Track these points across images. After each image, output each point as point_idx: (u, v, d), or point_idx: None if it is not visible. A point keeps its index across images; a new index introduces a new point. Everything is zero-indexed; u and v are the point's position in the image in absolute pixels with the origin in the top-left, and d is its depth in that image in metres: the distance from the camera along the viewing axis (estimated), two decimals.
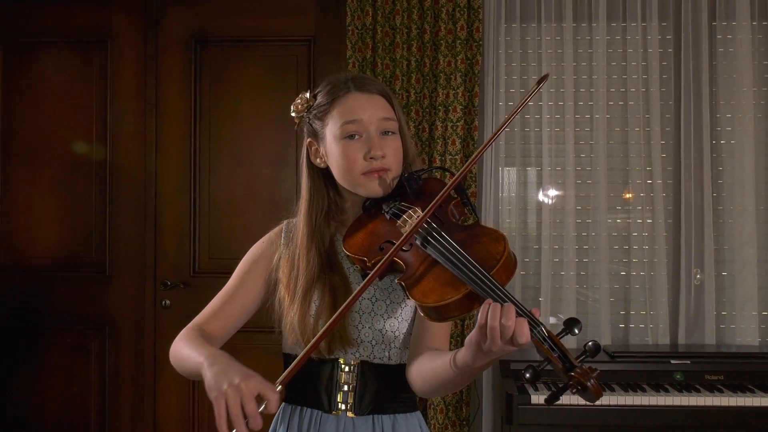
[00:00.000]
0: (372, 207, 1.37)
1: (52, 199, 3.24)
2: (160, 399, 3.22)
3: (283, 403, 1.45)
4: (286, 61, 3.20)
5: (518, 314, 1.05)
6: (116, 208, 3.22)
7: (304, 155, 1.44)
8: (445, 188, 1.26)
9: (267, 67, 3.20)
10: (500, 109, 2.94)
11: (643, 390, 2.43)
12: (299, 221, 1.43)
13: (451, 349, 1.29)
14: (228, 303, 1.45)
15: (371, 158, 1.33)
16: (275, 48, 3.20)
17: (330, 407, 1.39)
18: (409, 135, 1.46)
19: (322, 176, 1.43)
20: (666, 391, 2.43)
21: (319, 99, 1.39)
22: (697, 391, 2.44)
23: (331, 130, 1.36)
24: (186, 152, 3.22)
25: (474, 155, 1.25)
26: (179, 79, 3.20)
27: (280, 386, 1.10)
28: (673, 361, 2.55)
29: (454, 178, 1.27)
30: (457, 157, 2.82)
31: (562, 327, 1.10)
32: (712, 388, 2.46)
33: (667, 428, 2.43)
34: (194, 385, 3.18)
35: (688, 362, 2.55)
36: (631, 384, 2.48)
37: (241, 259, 3.24)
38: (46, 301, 3.23)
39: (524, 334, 1.04)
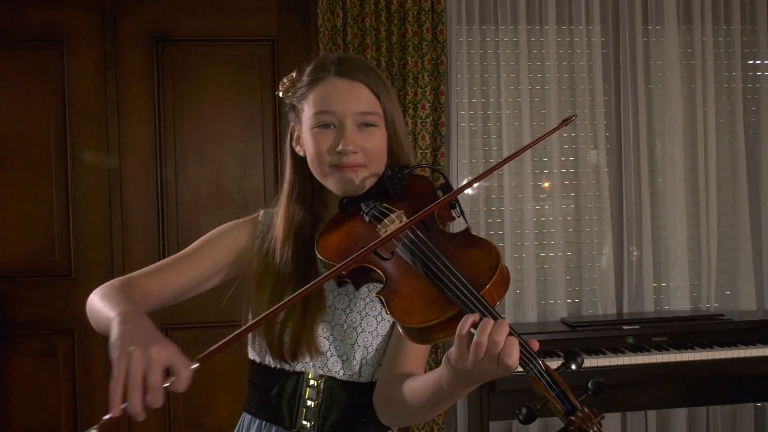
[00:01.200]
0: (349, 205, 1.25)
1: (11, 202, 3.14)
2: None
3: (245, 413, 1.36)
4: (250, 60, 3.25)
5: (509, 334, 0.95)
6: (79, 209, 3.17)
7: (288, 141, 1.32)
8: (437, 203, 1.12)
9: (231, 66, 3.24)
10: (464, 105, 3.14)
11: (604, 353, 2.75)
12: (278, 212, 1.31)
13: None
14: (176, 265, 1.30)
15: (339, 152, 1.20)
16: (238, 47, 3.24)
17: (292, 424, 1.26)
18: (402, 126, 1.30)
19: (305, 163, 1.28)
20: (622, 353, 2.76)
21: (303, 80, 1.26)
22: (648, 351, 2.77)
23: (306, 116, 1.25)
24: (151, 151, 3.21)
25: (479, 175, 1.19)
26: (142, 78, 3.18)
27: (197, 364, 0.92)
28: (624, 327, 2.87)
29: (446, 195, 1.15)
30: (427, 151, 3.00)
31: (562, 360, 0.99)
32: (659, 347, 2.80)
33: (626, 384, 2.76)
34: None
35: (637, 327, 2.87)
36: (592, 349, 2.79)
37: None
38: (9, 308, 3.15)
39: (513, 355, 0.93)
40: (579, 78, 3.20)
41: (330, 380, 1.26)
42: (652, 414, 3.21)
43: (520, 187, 3.17)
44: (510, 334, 0.94)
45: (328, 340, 1.26)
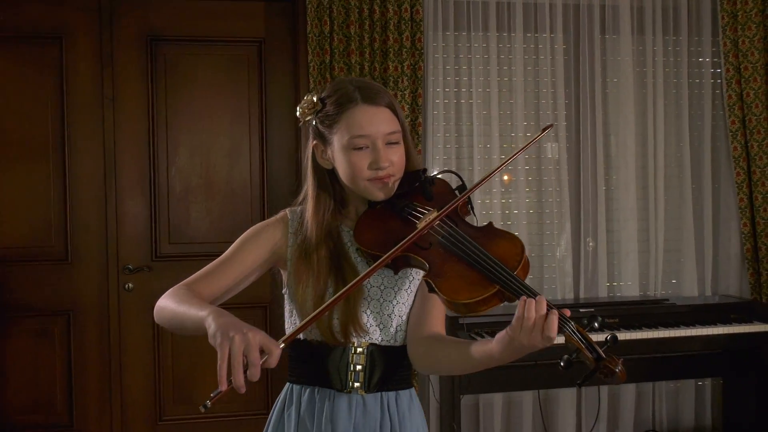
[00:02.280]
0: (377, 203, 1.46)
1: (11, 190, 3.29)
2: (127, 380, 3.41)
3: (291, 385, 1.53)
4: (239, 60, 3.46)
5: (548, 308, 1.19)
6: (75, 197, 3.34)
7: (309, 155, 1.49)
8: (464, 194, 1.39)
9: (221, 65, 3.44)
10: (439, 106, 3.41)
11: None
12: (309, 221, 1.48)
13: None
14: (221, 269, 1.47)
15: (377, 168, 1.40)
16: (228, 47, 3.45)
17: (343, 387, 1.47)
18: (410, 137, 1.55)
19: (328, 175, 1.49)
20: None
21: (328, 107, 1.43)
22: (602, 330, 3.09)
23: (339, 139, 1.42)
24: (144, 144, 3.39)
25: (484, 177, 1.46)
26: (136, 75, 3.36)
27: (282, 344, 1.19)
28: (580, 310, 3.16)
29: (469, 189, 1.41)
30: None
31: (585, 322, 1.26)
32: (612, 328, 3.12)
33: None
34: (160, 365, 3.42)
35: (592, 310, 3.18)
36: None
37: (203, 243, 3.48)
38: (7, 290, 3.31)
39: (553, 326, 1.18)
40: (543, 81, 3.49)
41: (372, 346, 1.48)
42: (604, 389, 3.54)
43: (490, 181, 3.45)
44: (548, 308, 1.19)
45: (366, 313, 1.47)
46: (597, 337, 1.21)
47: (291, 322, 1.53)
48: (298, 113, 1.47)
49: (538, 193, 3.56)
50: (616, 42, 3.57)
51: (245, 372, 1.14)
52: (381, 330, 1.48)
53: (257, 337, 1.16)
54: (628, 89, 3.55)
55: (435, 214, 1.37)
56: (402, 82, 3.25)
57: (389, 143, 1.42)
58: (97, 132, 3.35)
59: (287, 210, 1.55)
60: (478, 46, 3.44)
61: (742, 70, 3.49)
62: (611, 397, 3.59)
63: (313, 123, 1.46)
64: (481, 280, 1.25)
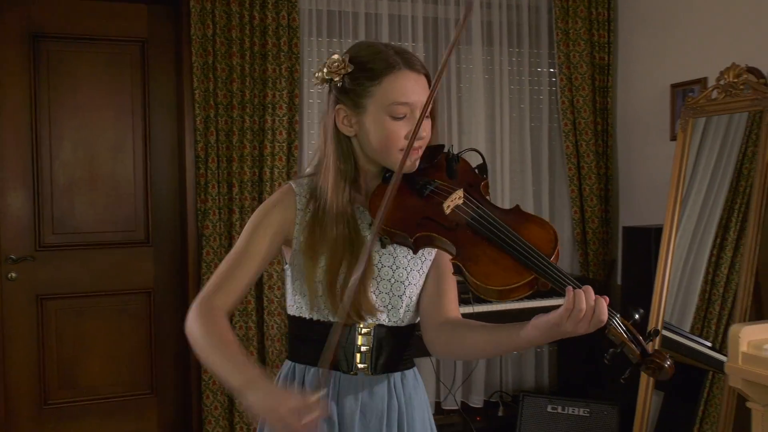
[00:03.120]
0: (390, 178, 1.36)
1: None
2: (10, 367, 3.48)
3: (293, 363, 1.47)
4: (122, 59, 3.62)
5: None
6: None
7: (332, 120, 1.39)
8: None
9: (105, 63, 3.59)
10: (313, 106, 3.74)
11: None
12: (329, 192, 1.38)
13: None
14: (239, 269, 1.39)
15: (414, 139, 1.30)
16: (112, 46, 3.60)
17: (349, 368, 1.41)
18: (437, 107, 1.45)
19: (349, 142, 1.40)
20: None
21: (365, 67, 1.34)
22: (469, 304, 3.55)
23: (376, 103, 1.33)
24: (27, 139, 3.48)
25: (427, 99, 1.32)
26: (19, 71, 3.44)
27: (321, 392, 1.17)
28: None
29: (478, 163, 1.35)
30: (283, 144, 3.56)
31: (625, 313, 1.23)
32: (468, 302, 3.60)
33: None
34: (44, 351, 3.52)
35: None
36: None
37: (87, 233, 3.58)
38: None
39: (604, 313, 1.15)
40: None
41: (378, 327, 1.42)
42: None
43: None
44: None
45: (375, 293, 1.40)
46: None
47: (295, 302, 1.46)
48: (321, 73, 1.38)
49: None
50: (468, 52, 4.05)
51: None
52: (389, 311, 1.43)
53: (298, 410, 1.14)
54: (479, 94, 4.03)
55: (461, 192, 1.32)
56: (280, 83, 3.55)
57: (426, 115, 1.34)
58: None
59: (291, 183, 1.47)
60: None
61: (573, 79, 4.07)
62: (465, 365, 4.06)
63: (339, 84, 1.36)
64: (515, 266, 1.18)
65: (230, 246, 3.53)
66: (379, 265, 1.41)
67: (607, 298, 1.18)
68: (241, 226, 3.52)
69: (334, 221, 1.37)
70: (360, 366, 1.42)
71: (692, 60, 3.65)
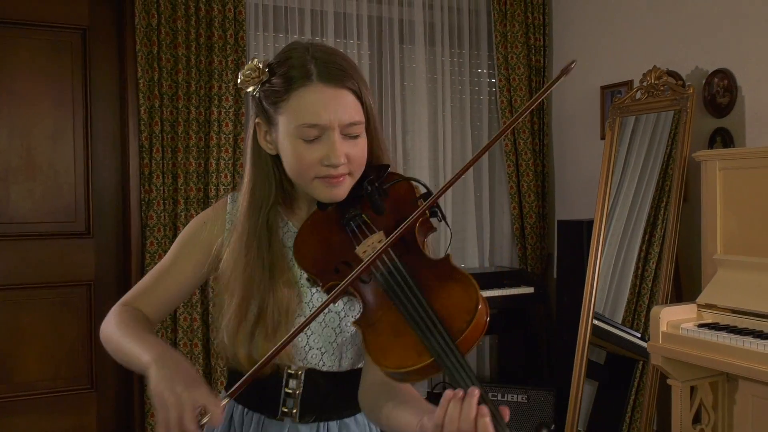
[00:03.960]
0: (327, 204, 1.20)
1: None
2: None
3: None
4: (62, 46, 3.56)
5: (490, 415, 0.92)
6: None
7: (251, 134, 1.24)
8: (409, 219, 1.06)
9: (44, 49, 3.52)
10: None
11: None
12: (240, 213, 1.24)
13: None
14: (159, 281, 1.29)
15: (328, 165, 1.14)
16: (51, 33, 3.53)
17: (275, 413, 1.26)
18: (379, 124, 1.25)
19: (271, 161, 1.23)
20: None
21: (275, 80, 1.16)
22: None
23: (285, 122, 1.16)
24: None
25: (457, 174, 1.15)
26: None
27: (226, 399, 1.02)
28: None
29: (423, 206, 1.09)
30: (230, 136, 3.58)
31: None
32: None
33: None
34: None
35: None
36: None
37: (23, 223, 3.50)
38: None
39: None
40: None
41: (310, 370, 1.24)
42: None
43: None
44: (482, 401, 0.93)
45: (306, 334, 1.23)
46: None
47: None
48: (239, 81, 1.21)
49: None
50: (411, 51, 4.16)
51: None
52: (323, 354, 1.25)
53: (194, 396, 1.01)
54: (422, 93, 4.14)
55: (380, 235, 1.12)
56: (226, 75, 3.57)
57: (349, 135, 1.16)
58: None
59: (229, 196, 1.33)
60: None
61: (511, 80, 4.23)
62: None
63: (256, 95, 1.19)
64: (416, 344, 0.99)
65: (174, 237, 3.51)
66: (311, 304, 1.23)
67: (507, 411, 0.95)
68: (186, 218, 3.52)
69: (246, 251, 1.20)
70: (285, 410, 1.25)
71: (620, 63, 3.86)
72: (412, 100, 4.16)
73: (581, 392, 3.50)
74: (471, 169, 4.22)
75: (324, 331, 1.24)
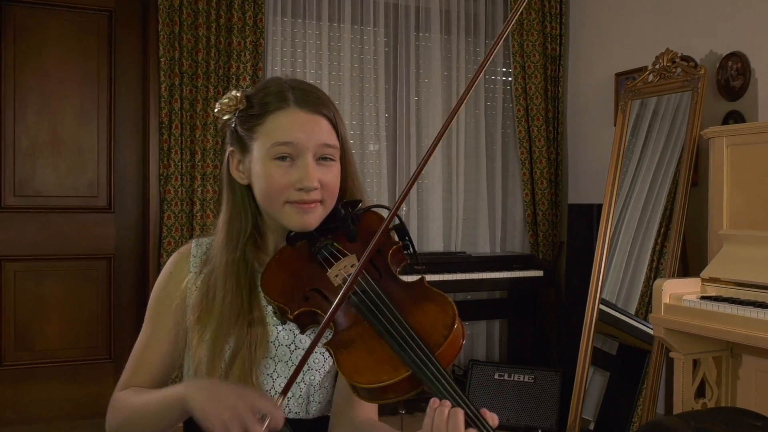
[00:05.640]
0: (298, 239, 1.17)
1: None
2: None
3: None
4: (89, 27, 3.70)
5: (468, 421, 0.91)
6: None
7: (225, 165, 1.23)
8: (380, 229, 1.05)
9: (72, 30, 3.66)
10: None
11: None
12: (217, 250, 1.20)
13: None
14: (143, 359, 1.24)
15: (301, 189, 1.13)
16: (79, 14, 3.68)
17: None
18: (354, 159, 1.25)
19: (247, 192, 1.21)
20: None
21: (254, 105, 1.17)
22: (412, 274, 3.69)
23: (259, 146, 1.16)
24: None
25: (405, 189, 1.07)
26: None
27: (282, 398, 0.99)
28: None
29: (392, 211, 1.07)
30: None
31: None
32: (420, 273, 3.72)
33: None
34: (1, 313, 3.54)
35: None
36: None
37: (48, 196, 3.56)
38: None
39: None
40: (367, 69, 4.06)
41: None
42: None
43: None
44: (467, 422, 0.91)
45: (271, 377, 1.18)
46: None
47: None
48: (215, 110, 1.21)
49: (362, 174, 4.10)
50: (427, 40, 4.22)
51: None
52: (289, 399, 1.20)
53: (251, 404, 0.98)
54: (437, 79, 4.20)
55: (353, 258, 1.11)
56: (244, 55, 3.67)
57: (322, 158, 1.16)
58: None
59: (192, 242, 1.29)
60: (311, 32, 3.94)
61: (526, 68, 4.28)
62: None
63: (232, 124, 1.20)
64: (391, 359, 0.96)
65: (191, 213, 3.61)
66: (276, 343, 1.18)
67: (495, 418, 0.94)
68: (203, 193, 3.61)
69: (223, 286, 1.17)
70: None
71: (635, 50, 3.89)
72: (427, 88, 4.22)
73: (587, 375, 3.50)
74: (483, 156, 4.31)
75: (291, 371, 1.16)
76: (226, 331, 1.15)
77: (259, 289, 1.16)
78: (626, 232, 3.54)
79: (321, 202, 1.16)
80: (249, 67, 3.68)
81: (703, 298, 2.65)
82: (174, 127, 3.57)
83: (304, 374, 1.19)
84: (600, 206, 3.62)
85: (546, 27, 4.30)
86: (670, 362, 3.16)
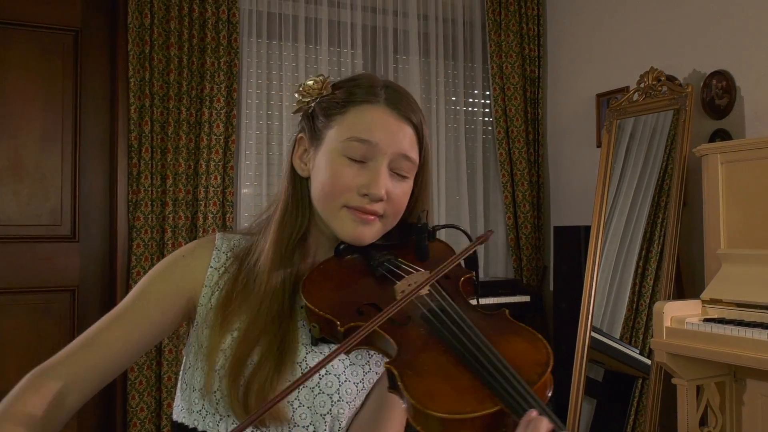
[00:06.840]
0: (347, 252, 1.06)
1: None
2: None
3: None
4: (54, 48, 3.51)
5: None
6: None
7: (288, 154, 1.12)
8: (461, 251, 0.97)
9: (35, 50, 3.47)
10: (252, 100, 3.71)
11: None
12: (268, 236, 1.06)
13: None
14: (104, 332, 1.03)
15: (365, 195, 1.02)
16: (43, 34, 3.49)
17: None
18: (430, 181, 1.12)
19: (305, 187, 1.09)
20: None
21: (337, 93, 1.07)
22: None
23: (333, 137, 1.04)
24: None
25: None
26: None
27: None
28: None
29: (471, 245, 1.00)
30: (221, 137, 3.51)
31: None
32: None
33: None
34: None
35: None
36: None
37: (7, 225, 3.40)
38: None
39: None
40: None
41: None
42: None
43: None
44: None
45: (292, 405, 1.01)
46: None
47: (183, 400, 1.07)
48: (296, 93, 1.11)
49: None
50: (406, 62, 4.14)
51: None
52: (307, 429, 1.02)
53: None
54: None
55: (426, 274, 0.97)
56: (218, 76, 3.52)
57: (396, 171, 1.05)
58: None
59: (218, 234, 1.13)
60: (287, 54, 3.81)
61: (506, 90, 4.21)
62: None
63: (310, 109, 1.08)
64: (476, 389, 0.80)
65: (162, 240, 3.42)
66: (303, 365, 1.02)
67: None
68: (174, 220, 3.43)
69: (266, 279, 1.03)
70: None
71: (615, 70, 3.85)
72: None
73: (581, 405, 3.38)
74: (465, 180, 4.21)
75: (316, 400, 1.02)
76: (258, 333, 1.00)
77: (298, 299, 1.01)
78: (608, 256, 3.46)
79: (381, 217, 1.04)
80: (223, 89, 3.54)
81: (706, 320, 2.55)
82: (144, 150, 3.38)
83: (332, 405, 1.02)
84: (588, 228, 3.53)
85: (524, 49, 4.25)
86: (664, 388, 3.05)
